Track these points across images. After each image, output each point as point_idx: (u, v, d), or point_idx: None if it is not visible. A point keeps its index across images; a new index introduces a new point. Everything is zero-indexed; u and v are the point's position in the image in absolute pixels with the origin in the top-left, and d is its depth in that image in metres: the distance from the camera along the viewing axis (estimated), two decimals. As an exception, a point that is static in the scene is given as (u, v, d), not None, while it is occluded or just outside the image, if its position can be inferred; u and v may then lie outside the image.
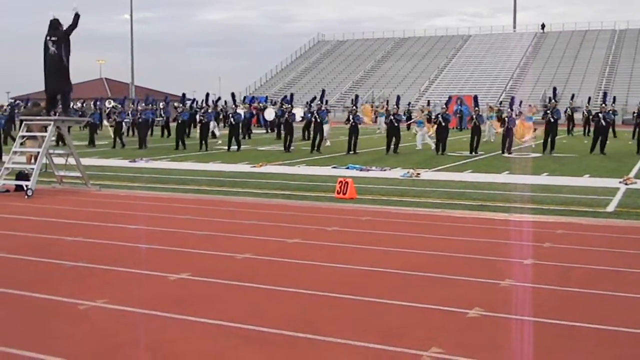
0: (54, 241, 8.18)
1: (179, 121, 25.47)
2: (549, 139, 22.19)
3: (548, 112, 22.34)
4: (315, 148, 22.83)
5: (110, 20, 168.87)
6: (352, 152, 22.20)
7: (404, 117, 31.18)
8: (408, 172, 15.72)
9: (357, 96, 26.44)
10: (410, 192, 12.71)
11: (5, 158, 14.87)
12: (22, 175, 12.81)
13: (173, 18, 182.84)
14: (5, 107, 27.15)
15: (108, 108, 35.78)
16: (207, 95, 28.46)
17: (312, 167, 17.77)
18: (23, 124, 13.70)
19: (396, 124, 22.61)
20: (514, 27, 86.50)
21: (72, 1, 12.64)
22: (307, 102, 29.44)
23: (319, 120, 23.32)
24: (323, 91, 27.04)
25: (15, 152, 13.09)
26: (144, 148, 24.46)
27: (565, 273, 6.71)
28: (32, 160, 13.33)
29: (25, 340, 4.72)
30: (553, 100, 23.19)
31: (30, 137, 13.75)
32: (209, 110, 26.82)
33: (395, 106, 23.75)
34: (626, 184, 13.79)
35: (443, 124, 22.27)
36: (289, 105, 25.29)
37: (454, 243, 8.07)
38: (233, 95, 30.36)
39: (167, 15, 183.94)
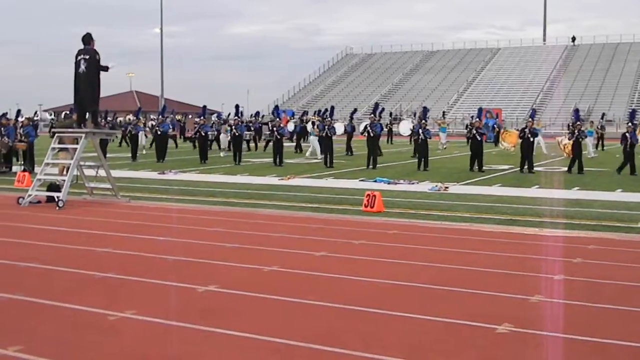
0: (84, 252, 8.27)
1: (202, 134, 25.49)
2: None
3: None
4: (371, 164, 21.59)
5: (140, 34, 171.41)
6: (424, 169, 20.85)
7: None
8: (436, 186, 15.62)
9: (425, 108, 25.21)
10: (438, 206, 12.63)
11: (37, 169, 15.10)
12: (54, 187, 13.01)
13: (202, 31, 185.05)
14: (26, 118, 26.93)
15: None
16: (237, 107, 28.50)
17: (340, 180, 17.76)
18: (55, 136, 13.93)
19: (479, 138, 20.79)
20: (544, 40, 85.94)
21: (111, 61, 13.29)
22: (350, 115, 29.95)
23: (372, 134, 22.01)
24: (376, 104, 26.64)
25: (47, 164, 13.30)
26: (162, 161, 24.50)
27: (596, 289, 6.60)
28: (64, 172, 13.52)
29: (55, 350, 4.78)
30: None
31: (63, 149, 13.96)
32: (240, 123, 26.70)
33: (477, 119, 22.19)
34: (659, 199, 13.55)
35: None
36: (330, 119, 24.69)
37: (483, 257, 7.99)
38: (277, 107, 30.31)
39: (196, 28, 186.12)
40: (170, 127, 34.79)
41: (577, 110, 23.15)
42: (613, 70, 70.91)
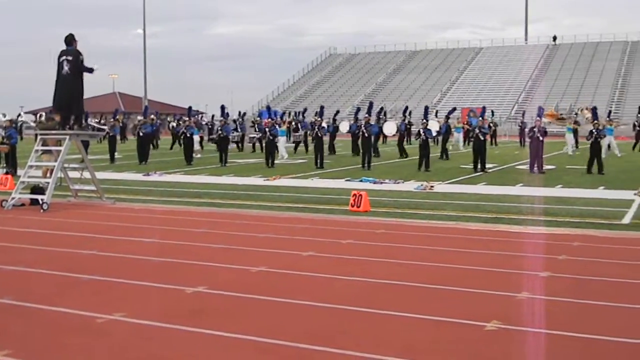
0: (69, 255, 8.22)
1: (187, 135, 25.34)
2: None
3: None
4: (366, 165, 21.12)
5: (123, 35, 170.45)
6: (426, 169, 20.41)
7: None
8: (422, 185, 15.69)
9: (426, 107, 24.94)
10: (424, 205, 12.69)
11: (20, 172, 14.98)
12: (38, 189, 12.91)
13: (185, 32, 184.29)
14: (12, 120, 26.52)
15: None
16: (223, 108, 28.37)
17: (326, 180, 17.78)
18: (39, 138, 13.82)
19: (482, 138, 20.35)
20: (526, 40, 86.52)
21: (95, 63, 13.17)
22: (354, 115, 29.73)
23: (366, 135, 21.63)
24: (371, 103, 26.40)
25: (30, 166, 13.20)
26: (144, 163, 24.27)
27: (581, 285, 6.67)
28: (48, 174, 13.42)
29: (44, 354, 4.75)
30: None
31: (46, 151, 13.86)
32: (227, 124, 26.41)
33: (480, 118, 21.96)
34: (641, 195, 13.70)
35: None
36: (320, 119, 24.38)
37: (470, 256, 8.04)
38: (269, 108, 29.92)
39: (178, 29, 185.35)
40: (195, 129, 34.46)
41: (594, 109, 22.47)
42: (594, 69, 71.56)
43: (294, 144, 32.22)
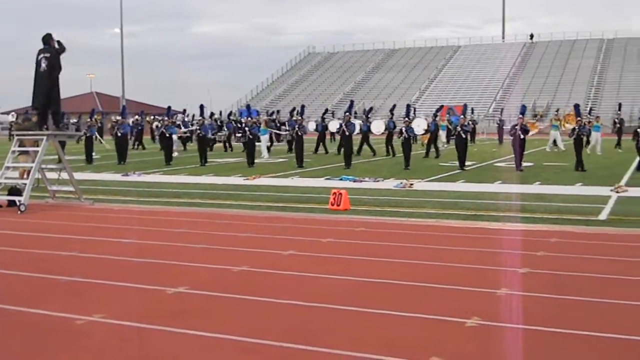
0: (48, 256, 8.14)
1: (167, 135, 25.20)
2: None
3: None
4: (346, 163, 20.95)
5: (100, 34, 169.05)
6: (406, 167, 20.49)
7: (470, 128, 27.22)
8: (401, 183, 15.75)
9: (408, 105, 24.94)
10: (404, 203, 12.75)
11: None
12: (15, 191, 12.76)
13: (163, 31, 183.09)
14: None
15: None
16: (202, 107, 28.27)
17: (306, 179, 17.78)
18: (15, 139, 13.67)
19: (464, 136, 20.51)
20: (503, 38, 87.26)
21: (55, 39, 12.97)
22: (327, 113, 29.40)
23: (347, 133, 21.45)
24: (351, 102, 26.31)
25: (7, 167, 13.04)
26: (123, 163, 24.11)
27: (560, 281, 6.75)
28: (25, 175, 13.27)
29: (22, 356, 4.70)
30: None
31: (23, 152, 13.71)
32: (205, 123, 26.29)
33: (462, 116, 22.14)
34: (617, 192, 13.88)
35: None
36: (301, 117, 24.30)
37: (450, 253, 8.10)
38: (249, 107, 29.80)
39: (156, 28, 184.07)
40: (183, 128, 34.26)
41: (577, 106, 22.27)
42: (570, 67, 72.33)
43: (286, 144, 32.09)
